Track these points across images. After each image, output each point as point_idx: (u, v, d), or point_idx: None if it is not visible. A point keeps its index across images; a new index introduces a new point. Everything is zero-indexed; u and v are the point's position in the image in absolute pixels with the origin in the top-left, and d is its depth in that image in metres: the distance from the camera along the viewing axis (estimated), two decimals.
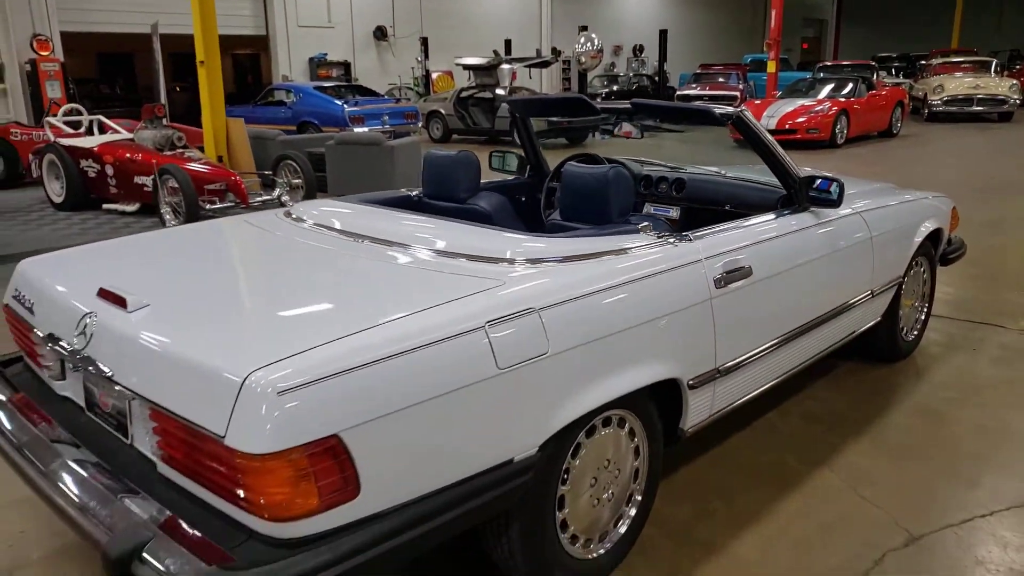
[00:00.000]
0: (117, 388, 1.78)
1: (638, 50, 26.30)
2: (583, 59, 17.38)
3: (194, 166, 7.07)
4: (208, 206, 6.75)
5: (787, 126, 12.60)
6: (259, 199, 7.22)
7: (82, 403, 2.03)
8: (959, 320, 4.34)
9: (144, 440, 1.78)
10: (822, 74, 16.20)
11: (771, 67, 16.89)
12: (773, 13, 16.74)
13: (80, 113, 9.42)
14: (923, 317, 3.89)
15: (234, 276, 2.27)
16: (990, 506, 2.53)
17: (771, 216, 2.75)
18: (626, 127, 3.47)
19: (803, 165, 2.95)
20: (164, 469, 1.71)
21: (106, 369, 1.79)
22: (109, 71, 20.41)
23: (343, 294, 1.94)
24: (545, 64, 16.34)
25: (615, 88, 21.16)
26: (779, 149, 2.81)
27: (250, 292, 2.07)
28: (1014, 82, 16.88)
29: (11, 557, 2.34)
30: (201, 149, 8.13)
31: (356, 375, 1.52)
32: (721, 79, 19.17)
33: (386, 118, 12.79)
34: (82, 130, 9.13)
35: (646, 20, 26.41)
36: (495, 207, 3.01)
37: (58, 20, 13.45)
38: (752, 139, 2.78)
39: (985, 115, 16.72)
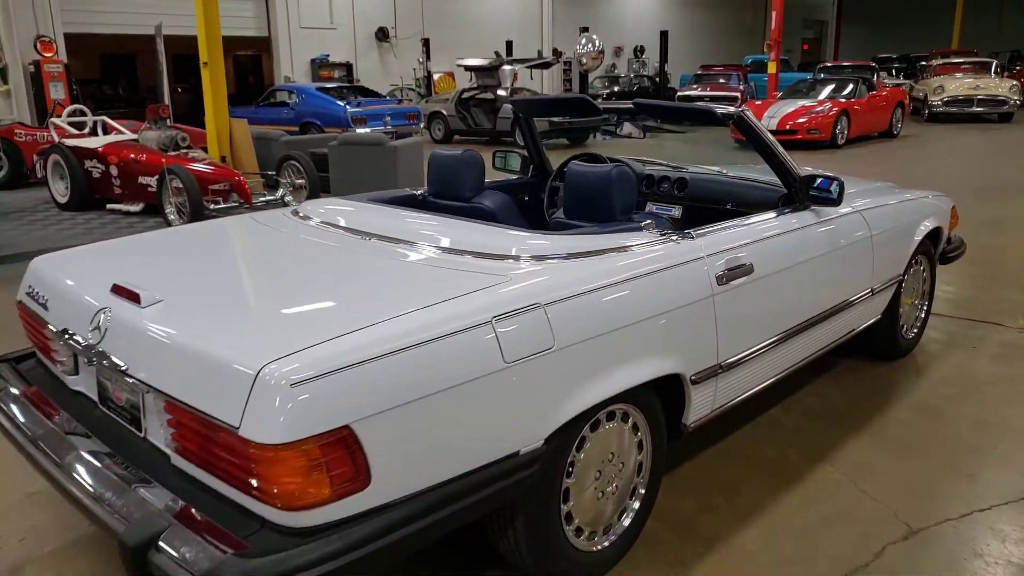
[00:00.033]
0: (131, 381, 1.82)
1: (639, 51, 26.34)
2: (584, 60, 17.42)
3: (198, 166, 7.11)
4: (212, 206, 6.79)
5: (788, 127, 12.64)
6: (262, 199, 7.26)
7: (95, 397, 2.06)
8: (959, 318, 4.38)
9: (158, 433, 1.82)
10: (823, 75, 16.25)
11: (772, 68, 16.94)
12: (773, 14, 16.78)
13: (84, 114, 9.47)
14: (923, 315, 3.93)
15: (244, 272, 2.30)
16: (989, 500, 2.56)
17: (772, 214, 2.78)
18: (627, 127, 3.51)
19: (804, 165, 2.98)
20: (178, 461, 1.75)
21: (121, 363, 1.83)
22: (112, 72, 20.46)
23: (353, 290, 1.97)
24: (546, 65, 16.38)
25: (616, 89, 21.22)
26: (780, 148, 2.84)
27: (261, 288, 2.11)
28: (1014, 83, 16.92)
29: (23, 551, 2.37)
30: (204, 150, 8.17)
31: (367, 368, 1.56)
32: (722, 80, 19.21)
33: (388, 119, 12.84)
34: (86, 131, 9.17)
35: (647, 21, 26.45)
36: (499, 206, 3.04)
37: (62, 21, 13.49)
38: (753, 139, 2.81)
39: (985, 116, 16.76)
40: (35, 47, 12.50)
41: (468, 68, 15.03)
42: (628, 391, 2.05)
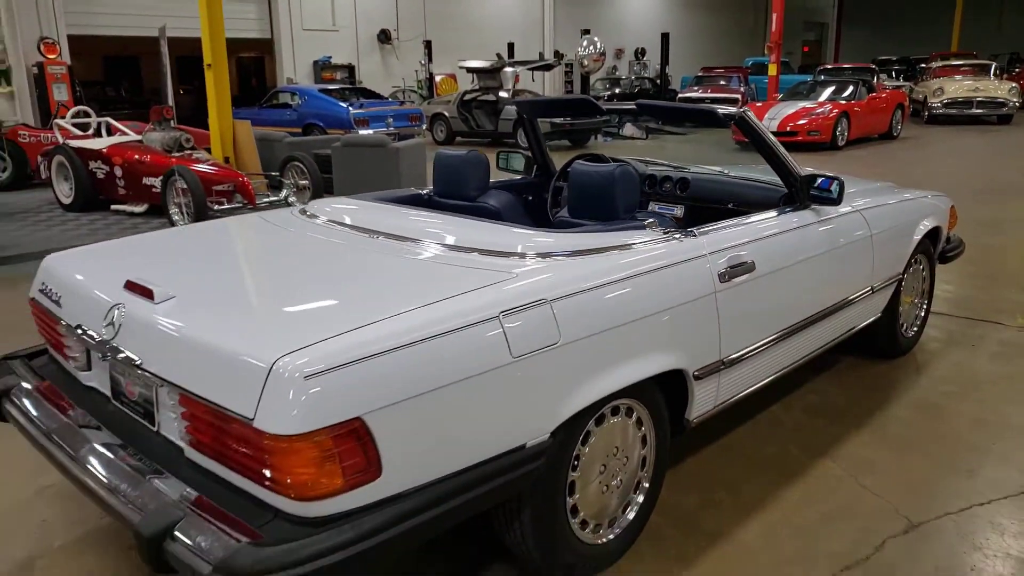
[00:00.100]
0: (145, 375, 1.85)
1: (640, 53, 26.41)
2: (585, 62, 17.49)
3: (202, 167, 7.15)
4: (216, 207, 6.83)
5: (788, 128, 12.67)
6: (266, 200, 7.30)
7: (108, 392, 2.10)
8: (958, 317, 4.41)
9: (171, 426, 1.85)
10: (823, 77, 16.30)
11: (772, 70, 16.99)
12: (774, 16, 16.82)
13: (88, 115, 9.51)
14: (923, 314, 3.96)
15: (256, 269, 2.34)
16: (988, 495, 2.60)
17: (773, 213, 2.81)
18: (630, 128, 3.55)
19: (804, 166, 3.02)
20: (191, 453, 1.78)
21: (135, 357, 1.86)
22: (115, 74, 20.52)
23: (363, 286, 2.01)
24: (548, 67, 16.42)
25: (617, 91, 21.27)
26: (781, 148, 2.88)
27: (272, 284, 2.14)
28: (1013, 85, 16.97)
29: (33, 545, 2.40)
30: (208, 151, 8.21)
31: (378, 361, 1.59)
32: (723, 82, 19.25)
33: (390, 120, 12.87)
34: (90, 132, 9.21)
35: (648, 23, 26.51)
36: (504, 205, 3.08)
37: (65, 23, 13.51)
38: (755, 139, 2.85)
39: (985, 117, 16.80)
40: (39, 49, 12.54)
41: (470, 70, 15.08)
42: (632, 386, 2.09)
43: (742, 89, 18.56)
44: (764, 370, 2.70)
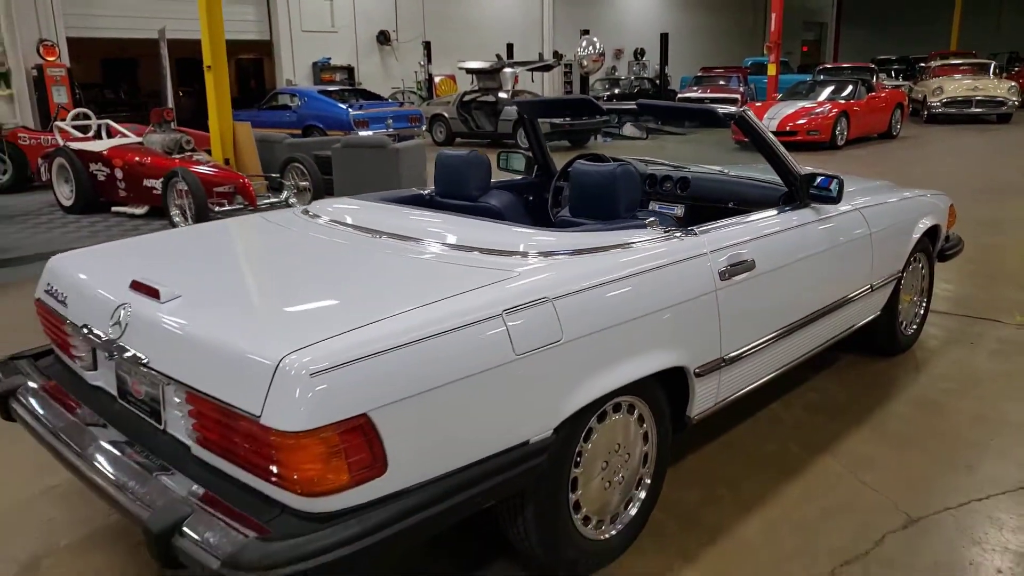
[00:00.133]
0: (152, 374, 1.87)
1: (639, 53, 26.44)
2: (585, 62, 17.51)
3: (203, 169, 7.17)
4: (217, 208, 6.85)
5: (788, 128, 12.70)
6: (267, 202, 7.32)
7: (114, 392, 2.12)
8: (957, 315, 4.43)
9: (178, 424, 1.87)
10: (822, 76, 16.33)
11: (771, 70, 17.01)
12: (773, 16, 16.84)
13: (89, 117, 9.52)
14: (922, 312, 3.98)
15: (260, 269, 2.36)
16: (987, 490, 2.62)
17: (773, 212, 2.83)
18: (629, 128, 3.57)
19: (804, 166, 3.04)
20: (198, 451, 1.80)
21: (142, 356, 1.88)
22: (113, 77, 20.52)
23: (367, 285, 2.03)
24: (547, 68, 16.46)
25: (616, 91, 21.29)
26: (781, 147, 2.90)
27: (277, 283, 2.16)
28: (1012, 84, 17.00)
29: (40, 545, 2.42)
30: (208, 153, 8.23)
31: (383, 358, 1.61)
32: (722, 82, 19.27)
33: (390, 121, 12.89)
34: (91, 134, 9.23)
35: (647, 23, 26.54)
36: (506, 205, 3.10)
37: (64, 25, 13.51)
38: (755, 138, 2.87)
39: (984, 116, 16.83)
40: (38, 51, 12.55)
41: (469, 71, 15.11)
42: (634, 383, 2.11)
43: (741, 89, 18.58)
44: (764, 367, 2.72)
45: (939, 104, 16.98)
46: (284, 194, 7.55)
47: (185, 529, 1.58)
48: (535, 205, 3.75)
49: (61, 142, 8.58)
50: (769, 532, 2.41)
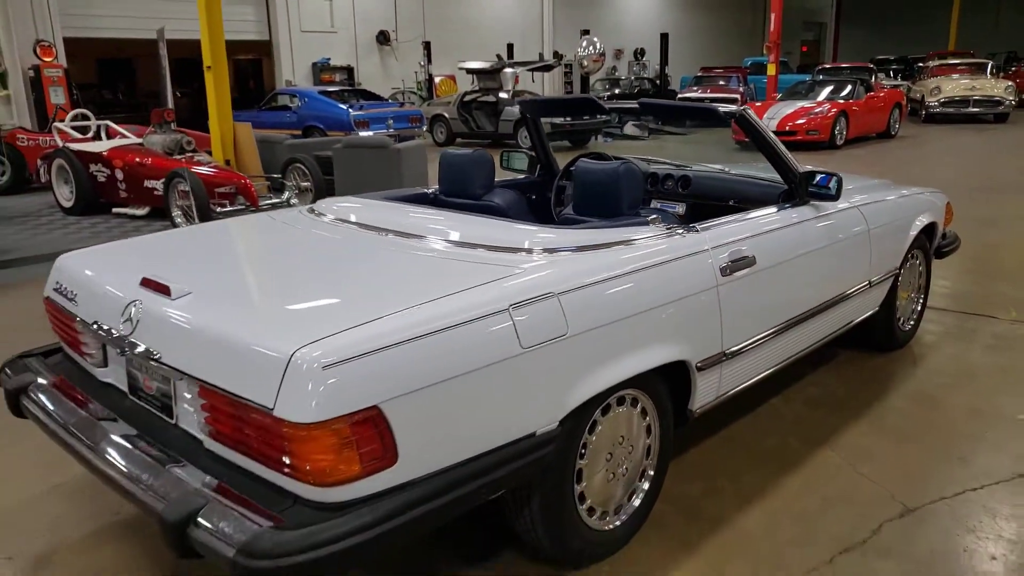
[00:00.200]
0: (163, 369, 1.90)
1: (639, 53, 26.47)
2: (585, 62, 17.55)
3: (204, 170, 7.19)
4: (219, 209, 6.87)
5: (787, 128, 12.73)
6: (268, 202, 7.34)
7: (125, 388, 2.15)
8: (954, 311, 4.47)
9: (190, 418, 1.90)
10: (821, 76, 16.36)
11: (771, 70, 17.05)
12: (772, 16, 16.88)
13: (88, 118, 9.53)
14: (919, 308, 4.02)
15: (269, 266, 2.39)
16: (981, 481, 2.66)
17: (773, 210, 2.87)
18: (631, 128, 3.60)
19: (803, 165, 3.08)
20: (211, 444, 1.83)
21: (154, 351, 1.91)
22: (110, 77, 20.50)
23: (375, 281, 2.06)
24: (547, 68, 16.49)
25: (616, 91, 21.31)
26: (781, 146, 2.94)
27: (287, 280, 2.19)
28: (1010, 83, 17.05)
29: (50, 540, 2.45)
30: (209, 153, 8.26)
31: (393, 352, 1.65)
32: (722, 82, 19.31)
33: (391, 122, 12.91)
34: (90, 135, 9.24)
35: (647, 24, 26.58)
36: (509, 203, 3.14)
37: (61, 26, 13.46)
38: (755, 136, 2.91)
39: (981, 116, 16.88)
40: (35, 51, 12.52)
41: (470, 71, 15.13)
42: (637, 377, 2.15)
43: (741, 89, 18.62)
44: (765, 362, 2.76)
45: (937, 104, 17.04)
46: (286, 195, 7.57)
47: (200, 519, 1.61)
48: (538, 204, 3.78)
49: (60, 143, 8.59)
50: (769, 523, 2.45)
